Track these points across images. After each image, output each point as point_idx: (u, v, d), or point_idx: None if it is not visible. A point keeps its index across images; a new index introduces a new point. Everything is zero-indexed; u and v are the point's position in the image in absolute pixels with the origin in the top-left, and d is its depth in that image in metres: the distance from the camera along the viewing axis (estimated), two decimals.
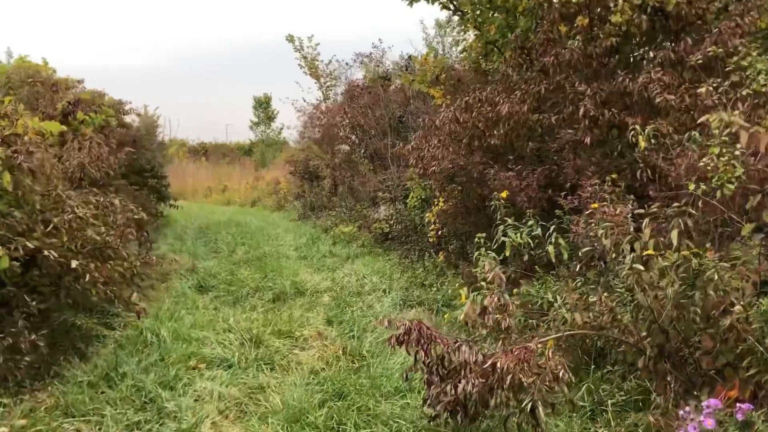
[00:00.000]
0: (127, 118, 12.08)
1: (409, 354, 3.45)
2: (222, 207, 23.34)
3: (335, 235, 12.08)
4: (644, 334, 3.57)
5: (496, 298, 3.40)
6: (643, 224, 3.39)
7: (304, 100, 16.54)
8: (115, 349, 5.28)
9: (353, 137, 14.35)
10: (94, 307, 6.16)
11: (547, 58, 5.97)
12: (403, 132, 12.51)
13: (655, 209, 3.51)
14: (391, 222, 10.48)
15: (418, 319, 3.45)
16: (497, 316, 3.30)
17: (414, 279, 8.13)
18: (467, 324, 3.69)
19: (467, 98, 6.65)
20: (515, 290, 4.90)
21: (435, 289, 7.42)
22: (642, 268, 3.23)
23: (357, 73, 14.69)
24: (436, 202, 8.81)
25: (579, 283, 4.59)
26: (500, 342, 3.29)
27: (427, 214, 9.04)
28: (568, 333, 3.64)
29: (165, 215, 15.36)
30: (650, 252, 3.40)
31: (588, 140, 5.51)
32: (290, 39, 16.72)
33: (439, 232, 8.86)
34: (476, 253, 4.84)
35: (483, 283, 3.71)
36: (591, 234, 3.87)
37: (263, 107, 37.81)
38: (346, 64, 14.21)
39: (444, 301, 6.93)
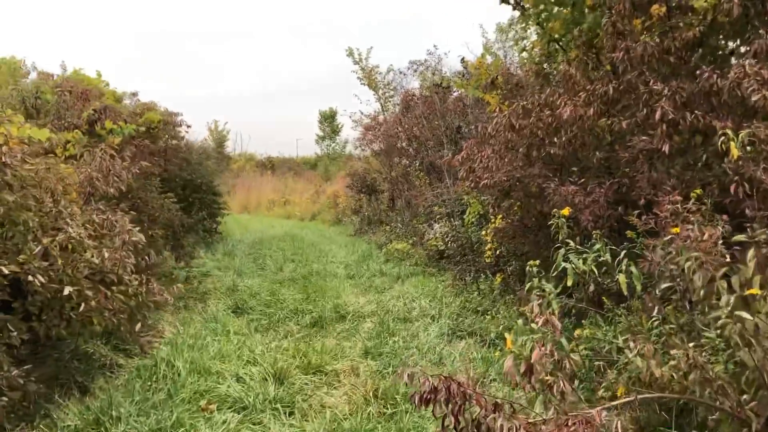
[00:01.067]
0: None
1: (435, 417, 2.72)
2: (282, 220, 23.10)
3: (388, 252, 11.42)
4: (746, 397, 2.72)
5: (547, 350, 2.63)
6: (748, 255, 2.55)
7: (362, 113, 16.03)
8: (122, 383, 4.76)
9: (410, 149, 13.69)
10: (115, 332, 5.69)
11: (616, 54, 5.13)
12: (461, 143, 11.75)
13: (764, 235, 2.66)
14: (447, 239, 9.72)
15: (447, 374, 2.71)
16: (548, 377, 2.53)
17: (467, 304, 7.36)
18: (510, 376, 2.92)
19: (524, 102, 5.88)
20: (577, 331, 4.08)
21: (489, 316, 6.62)
22: (748, 316, 2.40)
23: (413, 82, 14.07)
24: (492, 219, 8.03)
25: (656, 322, 3.74)
26: (552, 409, 2.52)
27: (482, 232, 8.26)
28: (642, 397, 2.82)
29: (219, 231, 15.14)
30: (755, 291, 2.57)
31: (666, 148, 4.63)
32: (349, 53, 16.34)
33: (497, 252, 8.07)
34: (527, 284, 4.08)
35: (533, 326, 2.94)
36: (672, 265, 3.05)
37: (328, 121, 37.88)
38: (401, 72, 13.61)
39: (499, 332, 6.13)
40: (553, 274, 4.13)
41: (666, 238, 3.25)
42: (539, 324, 2.72)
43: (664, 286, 3.29)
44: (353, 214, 18.48)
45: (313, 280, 9.33)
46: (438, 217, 10.74)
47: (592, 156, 5.58)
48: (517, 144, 5.97)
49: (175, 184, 11.99)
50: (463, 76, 10.93)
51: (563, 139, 5.43)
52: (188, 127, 12.49)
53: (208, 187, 14.00)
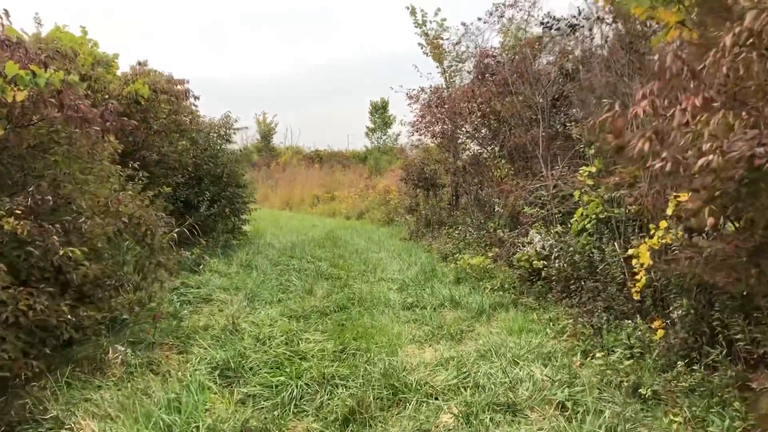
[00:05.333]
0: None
1: None
2: (325, 219, 20.26)
3: (459, 267, 8.34)
4: None
5: None
6: None
7: (422, 89, 12.94)
8: None
9: (484, 130, 10.58)
10: None
11: None
12: (560, 119, 8.62)
13: None
14: (553, 255, 6.62)
15: None
16: None
17: (613, 375, 4.28)
18: None
19: None
20: None
21: (677, 416, 3.52)
22: None
23: (492, 40, 10.81)
24: (651, 229, 4.88)
25: None
26: None
27: (630, 250, 5.12)
28: None
29: (244, 232, 12.32)
30: None
31: None
32: (411, 11, 13.26)
33: (652, 283, 4.96)
34: None
35: None
36: None
37: (379, 112, 35.17)
38: (479, 19, 10.31)
39: None
40: None
41: None
42: None
43: None
44: (407, 213, 15.47)
45: (354, 312, 6.36)
46: (533, 221, 7.64)
47: None
48: None
49: (176, 172, 9.23)
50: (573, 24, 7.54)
51: None
52: (196, 98, 9.70)
53: (230, 178, 11.21)
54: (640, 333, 4.82)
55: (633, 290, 4.91)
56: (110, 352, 4.68)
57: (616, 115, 3.20)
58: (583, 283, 6.16)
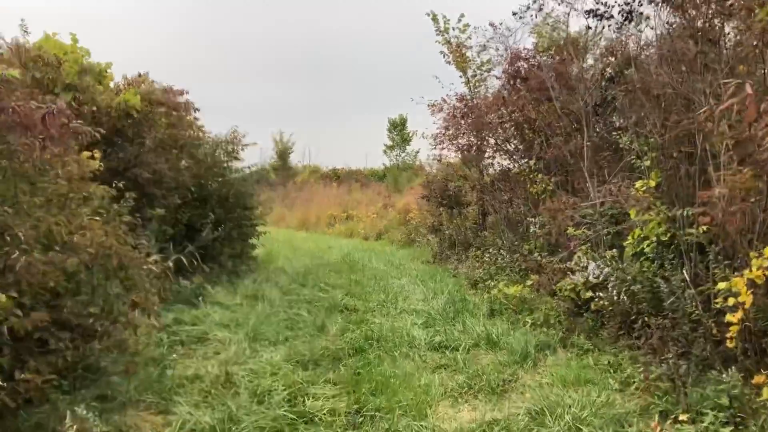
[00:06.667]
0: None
1: None
2: (342, 240, 19.32)
3: (492, 297, 7.30)
4: None
5: None
6: None
7: (444, 100, 11.99)
8: None
9: (515, 142, 9.60)
10: None
11: None
12: (602, 126, 7.61)
13: None
14: (609, 284, 5.57)
15: None
16: None
17: None
18: None
19: None
20: None
21: None
22: None
23: (525, 41, 9.83)
24: (752, 257, 3.83)
25: None
26: None
27: (720, 285, 4.06)
28: None
29: (253, 256, 11.39)
30: None
31: None
32: (433, 17, 12.38)
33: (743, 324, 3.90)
34: None
35: None
36: None
37: (398, 129, 34.33)
38: (514, 14, 9.22)
39: None
40: None
41: None
42: None
43: None
44: (430, 234, 14.48)
45: (372, 356, 5.35)
46: (579, 244, 6.60)
47: None
48: None
49: (175, 192, 8.34)
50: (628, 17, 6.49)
51: None
52: (196, 110, 8.83)
53: (237, 199, 10.31)
54: (734, 387, 3.78)
55: (727, 335, 3.86)
56: (67, 417, 3.73)
57: (748, 100, 2.19)
58: (646, 319, 5.12)
